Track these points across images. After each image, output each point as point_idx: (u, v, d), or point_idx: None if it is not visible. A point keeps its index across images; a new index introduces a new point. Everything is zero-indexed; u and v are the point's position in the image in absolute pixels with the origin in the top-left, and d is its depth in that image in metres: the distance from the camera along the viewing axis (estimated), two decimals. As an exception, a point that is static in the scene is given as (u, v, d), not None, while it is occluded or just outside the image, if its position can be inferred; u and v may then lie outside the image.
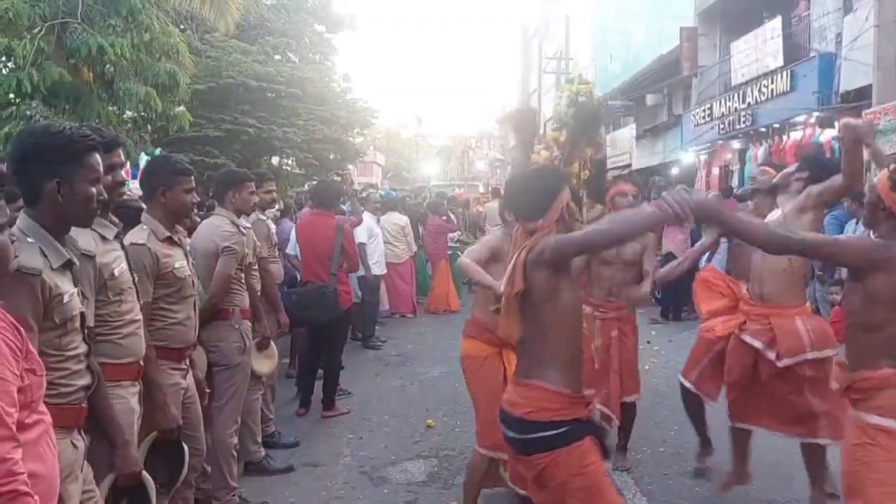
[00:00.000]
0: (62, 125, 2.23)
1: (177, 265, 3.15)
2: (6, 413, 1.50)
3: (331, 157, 17.89)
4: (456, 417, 5.48)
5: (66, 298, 2.10)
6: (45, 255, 2.07)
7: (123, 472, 2.39)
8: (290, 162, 17.58)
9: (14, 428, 1.52)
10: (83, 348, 2.21)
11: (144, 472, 2.52)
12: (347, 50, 68.78)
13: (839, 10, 10.97)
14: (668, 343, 8.11)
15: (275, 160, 16.98)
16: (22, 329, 1.68)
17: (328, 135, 16.26)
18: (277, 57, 17.85)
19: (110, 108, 9.19)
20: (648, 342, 8.04)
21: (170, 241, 3.17)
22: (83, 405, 2.21)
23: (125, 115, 10.07)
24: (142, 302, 2.84)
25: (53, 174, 2.09)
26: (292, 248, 6.52)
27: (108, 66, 8.65)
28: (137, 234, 3.08)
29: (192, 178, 3.32)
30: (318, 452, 4.90)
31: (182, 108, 10.37)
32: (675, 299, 9.82)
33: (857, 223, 6.26)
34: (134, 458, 2.46)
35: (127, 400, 2.60)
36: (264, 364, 4.47)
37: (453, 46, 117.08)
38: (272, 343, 4.56)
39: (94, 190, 2.19)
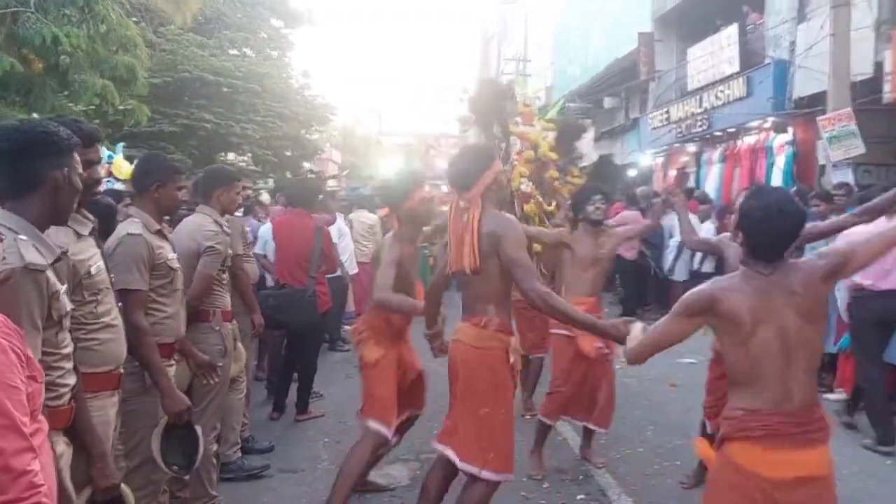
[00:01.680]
0: (46, 122, 2.19)
1: (169, 256, 3.19)
2: (22, 423, 1.44)
3: (287, 153, 17.67)
4: (433, 419, 5.39)
5: (61, 294, 2.06)
6: (40, 252, 2.00)
7: (101, 486, 2.27)
8: (245, 158, 17.31)
9: (31, 439, 1.45)
10: (72, 346, 2.17)
11: (123, 485, 2.42)
12: (305, 46, 67.98)
13: (793, 19, 11.27)
14: (635, 343, 8.20)
15: (231, 156, 16.70)
16: (23, 335, 1.60)
17: (287, 131, 16.07)
18: (233, 52, 17.56)
19: (64, 101, 8.90)
20: (615, 342, 8.13)
21: (160, 233, 3.20)
22: (72, 405, 2.16)
23: (77, 109, 9.78)
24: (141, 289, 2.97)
25: (61, 164, 2.07)
26: (261, 248, 6.39)
27: (62, 57, 8.35)
28: (132, 226, 3.10)
29: (183, 175, 3.35)
30: (296, 457, 4.80)
31: (134, 101, 10.08)
32: (637, 299, 9.95)
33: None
34: (112, 471, 2.35)
35: (104, 413, 2.50)
36: (232, 366, 4.37)
37: (413, 44, 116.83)
38: (239, 345, 4.47)
39: (80, 184, 2.18)
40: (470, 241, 2.99)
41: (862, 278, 5.52)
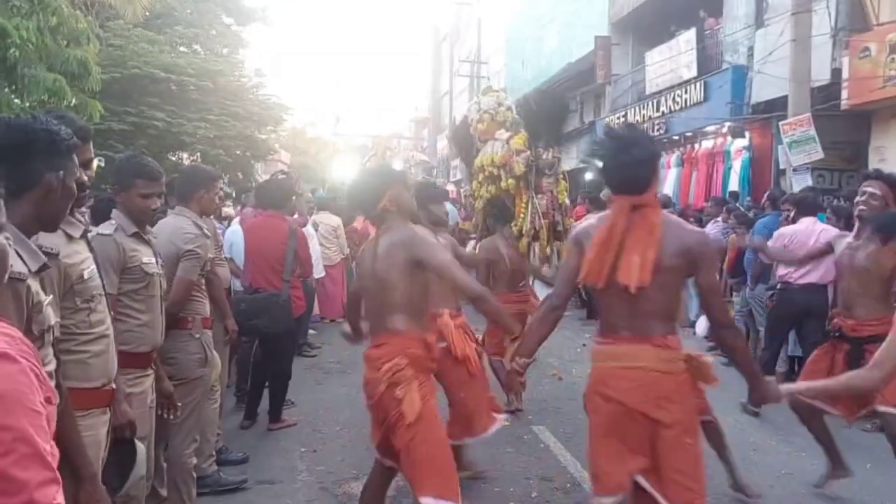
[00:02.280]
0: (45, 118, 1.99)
1: (145, 260, 2.99)
2: (45, 452, 1.26)
3: (237, 152, 17.23)
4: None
5: (45, 306, 1.87)
6: (22, 258, 1.80)
7: None
8: (195, 158, 16.82)
9: (54, 468, 1.27)
10: (54, 364, 1.95)
11: None
12: (259, 45, 67.05)
13: (751, 25, 11.49)
14: (604, 346, 8.18)
15: (184, 156, 16.23)
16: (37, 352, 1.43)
17: (241, 131, 15.67)
18: (183, 49, 17.05)
19: (12, 97, 8.48)
20: (584, 345, 8.10)
21: (138, 237, 3.01)
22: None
23: (25, 104, 9.33)
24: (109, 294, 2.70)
25: (57, 166, 1.89)
26: (227, 251, 6.14)
27: (11, 50, 7.93)
28: (104, 227, 2.96)
29: (159, 182, 3.12)
30: (272, 468, 4.60)
31: (84, 97, 9.66)
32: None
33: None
34: (102, 494, 2.16)
35: (95, 433, 2.30)
36: (207, 375, 4.18)
37: (367, 44, 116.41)
38: (214, 352, 4.26)
39: (76, 189, 2.01)
40: (643, 250, 2.47)
41: (786, 269, 5.77)
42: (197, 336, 3.63)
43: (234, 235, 6.19)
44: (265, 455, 4.82)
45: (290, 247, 5.15)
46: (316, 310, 8.79)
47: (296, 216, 6.00)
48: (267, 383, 5.48)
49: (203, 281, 3.74)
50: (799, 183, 8.92)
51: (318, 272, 7.77)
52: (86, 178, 2.36)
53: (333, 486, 4.31)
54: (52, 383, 1.92)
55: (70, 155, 1.93)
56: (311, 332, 8.30)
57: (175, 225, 3.68)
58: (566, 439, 5.08)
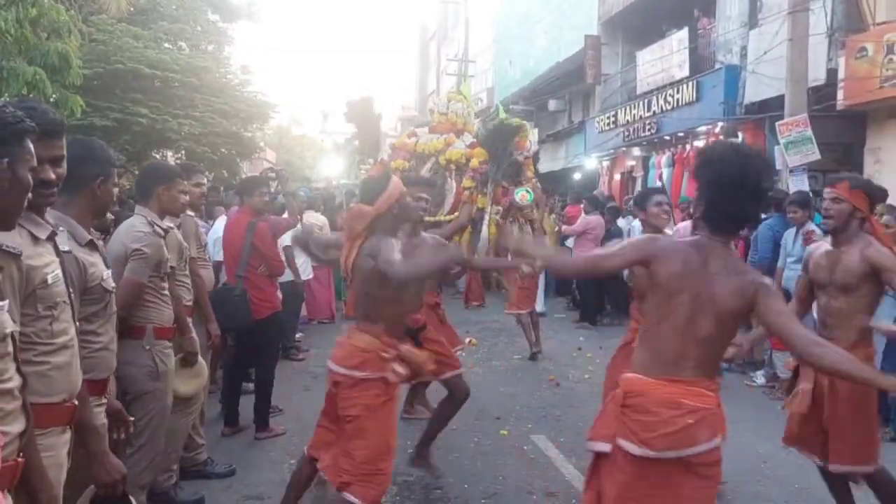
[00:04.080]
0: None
1: (104, 276, 2.58)
2: None
3: (223, 150, 16.97)
4: (407, 436, 5.08)
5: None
6: None
7: None
8: (179, 155, 16.55)
9: None
10: (17, 381, 1.73)
11: None
12: (246, 42, 66.52)
13: (745, 24, 11.39)
14: (600, 350, 8.00)
15: (167, 153, 15.95)
16: None
17: (227, 128, 15.41)
18: (168, 45, 16.78)
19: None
20: (580, 349, 7.95)
21: (91, 245, 2.58)
22: (19, 459, 1.72)
23: (4, 98, 9.05)
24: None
25: (2, 153, 1.67)
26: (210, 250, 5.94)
27: (-12, 41, 7.68)
28: (58, 241, 2.47)
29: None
30: (261, 482, 4.38)
31: (65, 92, 9.40)
32: (597, 304, 9.81)
33: (796, 232, 6.34)
34: None
35: (55, 453, 2.05)
36: (190, 384, 3.94)
37: (354, 41, 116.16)
38: (200, 359, 4.04)
39: (31, 180, 1.77)
40: None
41: None
42: (147, 348, 3.38)
43: (214, 233, 6.03)
44: (253, 467, 4.60)
45: (246, 241, 4.99)
46: (303, 311, 8.58)
47: (285, 216, 5.76)
48: (252, 389, 5.29)
49: (162, 284, 3.50)
50: (795, 184, 8.81)
51: (307, 273, 7.55)
52: (53, 176, 2.12)
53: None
54: (17, 405, 1.71)
55: (19, 141, 1.70)
56: (298, 334, 8.08)
57: (128, 224, 3.48)
58: (568, 450, 4.91)
